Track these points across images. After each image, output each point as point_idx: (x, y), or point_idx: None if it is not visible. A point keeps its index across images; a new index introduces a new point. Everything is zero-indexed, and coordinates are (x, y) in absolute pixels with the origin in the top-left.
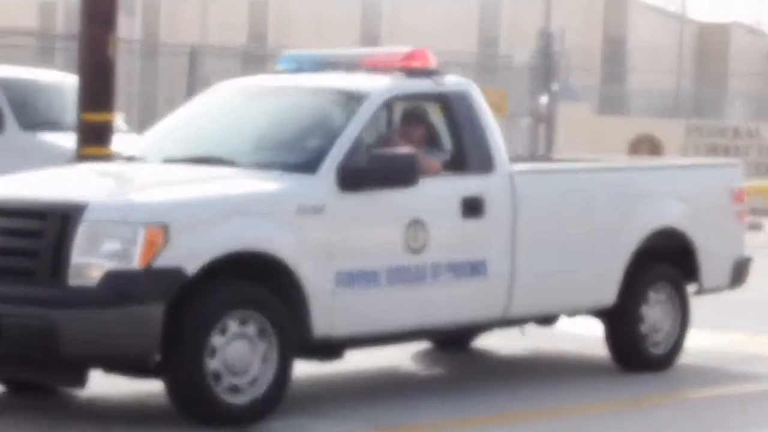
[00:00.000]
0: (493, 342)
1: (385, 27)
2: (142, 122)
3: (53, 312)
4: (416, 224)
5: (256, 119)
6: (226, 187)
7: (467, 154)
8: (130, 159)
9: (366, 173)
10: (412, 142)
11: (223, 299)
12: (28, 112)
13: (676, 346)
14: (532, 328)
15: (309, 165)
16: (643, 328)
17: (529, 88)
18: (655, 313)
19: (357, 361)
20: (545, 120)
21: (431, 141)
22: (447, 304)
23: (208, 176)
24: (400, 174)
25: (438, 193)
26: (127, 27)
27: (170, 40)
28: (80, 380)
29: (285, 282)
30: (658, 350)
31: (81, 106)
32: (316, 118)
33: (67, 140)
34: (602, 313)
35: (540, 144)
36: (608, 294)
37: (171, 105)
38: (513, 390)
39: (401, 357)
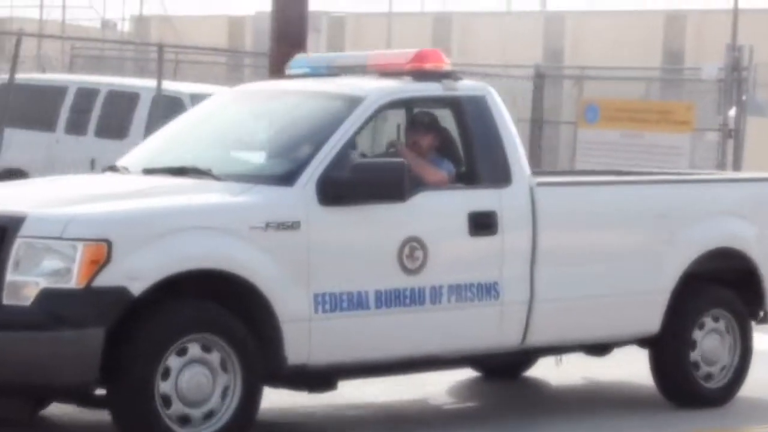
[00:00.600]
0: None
1: (568, 43)
2: None
3: None
4: (412, 242)
5: (245, 127)
6: (184, 201)
7: (479, 165)
8: (112, 169)
9: (350, 186)
10: (420, 152)
11: (175, 323)
12: None
13: (735, 380)
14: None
15: (286, 176)
16: (694, 360)
17: (716, 102)
18: (708, 343)
19: (379, 391)
20: (733, 135)
21: (443, 150)
22: (451, 330)
23: (170, 188)
24: (386, 186)
25: (440, 207)
26: (314, 43)
27: None
28: (28, 413)
29: (254, 305)
30: (712, 384)
31: None
32: (305, 124)
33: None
34: (648, 342)
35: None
36: (650, 321)
37: None
38: (548, 425)
39: (434, 387)
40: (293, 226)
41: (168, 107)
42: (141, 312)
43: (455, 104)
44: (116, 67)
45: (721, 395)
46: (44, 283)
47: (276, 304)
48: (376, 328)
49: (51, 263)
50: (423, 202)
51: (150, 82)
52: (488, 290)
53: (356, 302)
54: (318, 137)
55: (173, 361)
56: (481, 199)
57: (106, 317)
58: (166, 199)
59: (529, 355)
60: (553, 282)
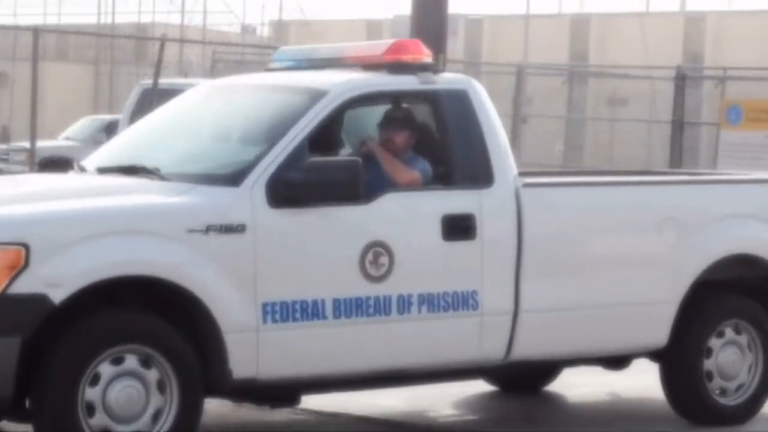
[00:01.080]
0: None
1: (708, 43)
2: None
3: None
4: (377, 247)
5: (208, 123)
6: (113, 202)
7: (457, 165)
8: (69, 169)
9: (302, 186)
10: (394, 150)
11: (103, 331)
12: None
13: (757, 397)
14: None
15: (233, 176)
16: (707, 374)
17: None
18: (725, 356)
19: (377, 402)
20: None
21: (421, 149)
22: (422, 343)
23: (107, 189)
24: (339, 187)
25: (409, 210)
26: (451, 46)
27: (492, 59)
28: None
29: (194, 315)
30: (729, 400)
31: None
32: (263, 120)
33: None
34: (657, 356)
35: None
36: (656, 333)
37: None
38: None
39: (439, 400)
40: (237, 229)
41: None
42: (65, 321)
43: (433, 98)
44: (256, 72)
45: (740, 412)
46: None
47: (218, 314)
48: (335, 339)
49: None
50: (390, 204)
51: None
52: (465, 300)
53: (311, 311)
54: (273, 134)
55: (105, 369)
56: (457, 200)
57: (22, 326)
58: (95, 201)
59: (522, 368)
60: (542, 291)
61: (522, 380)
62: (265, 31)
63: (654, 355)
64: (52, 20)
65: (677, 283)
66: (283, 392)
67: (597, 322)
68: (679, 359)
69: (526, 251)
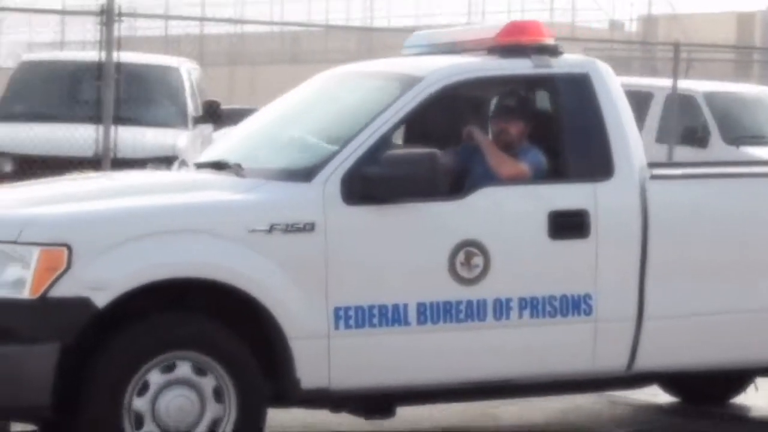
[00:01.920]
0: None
1: None
2: None
3: None
4: (469, 247)
5: (304, 114)
6: (169, 200)
7: (571, 156)
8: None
9: (380, 181)
10: (507, 141)
11: (149, 339)
12: (732, 125)
13: None
14: None
15: (306, 171)
16: None
17: None
18: None
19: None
20: None
21: (538, 139)
22: (524, 351)
23: (172, 185)
24: (417, 181)
25: (509, 206)
26: None
27: None
28: None
29: (256, 320)
30: None
31: None
32: (351, 111)
33: None
34: None
35: None
36: None
37: None
38: None
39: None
40: (306, 227)
41: (682, 106)
42: (110, 326)
43: (549, 84)
44: (624, 67)
45: None
46: None
47: (282, 319)
48: (420, 347)
49: (5, 270)
50: (487, 199)
51: (663, 82)
52: (576, 304)
53: (391, 317)
54: (356, 125)
55: (154, 377)
56: (567, 195)
57: (63, 332)
58: (150, 198)
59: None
60: (672, 295)
61: (707, 389)
62: (633, 27)
63: None
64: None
65: None
66: (375, 403)
67: (738, 328)
68: None
69: (653, 250)
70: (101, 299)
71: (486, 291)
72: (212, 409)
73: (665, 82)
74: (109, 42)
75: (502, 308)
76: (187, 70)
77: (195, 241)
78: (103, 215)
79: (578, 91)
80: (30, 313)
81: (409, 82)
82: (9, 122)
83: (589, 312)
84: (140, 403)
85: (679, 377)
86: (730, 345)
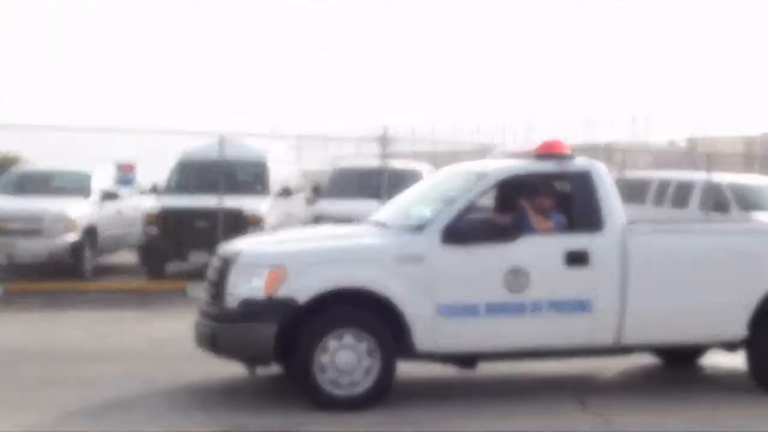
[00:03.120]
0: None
1: None
2: None
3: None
4: (517, 270)
5: (428, 193)
6: (344, 242)
7: (580, 218)
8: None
9: (463, 232)
10: (542, 209)
11: (329, 321)
12: (744, 199)
13: None
14: None
15: (420, 226)
16: None
17: None
18: None
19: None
20: None
21: (560, 208)
22: (549, 332)
23: (351, 233)
24: (482, 233)
25: (541, 246)
26: None
27: None
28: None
29: (390, 311)
30: None
31: None
32: (450, 191)
33: None
34: (740, 344)
35: None
36: (734, 329)
37: None
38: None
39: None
40: (419, 258)
41: (713, 190)
42: (307, 314)
43: (566, 176)
44: (676, 166)
45: None
46: (245, 294)
47: (407, 311)
48: (487, 328)
49: (252, 280)
50: (528, 242)
51: (702, 175)
52: (582, 305)
53: (471, 310)
54: (450, 200)
55: (332, 343)
56: (577, 241)
57: (279, 316)
58: (334, 241)
59: (629, 351)
60: (643, 299)
61: (679, 356)
62: (683, 143)
63: (731, 346)
64: None
65: (750, 297)
66: (463, 359)
67: (688, 319)
68: (757, 347)
69: (631, 271)
70: (302, 298)
71: (527, 296)
72: (366, 362)
73: (702, 175)
74: (384, 155)
75: (537, 307)
76: (427, 170)
77: (356, 266)
78: (304, 251)
79: (583, 181)
80: (262, 305)
81: (482, 176)
82: (330, 199)
83: (589, 309)
84: (324, 358)
85: (654, 348)
86: (684, 329)
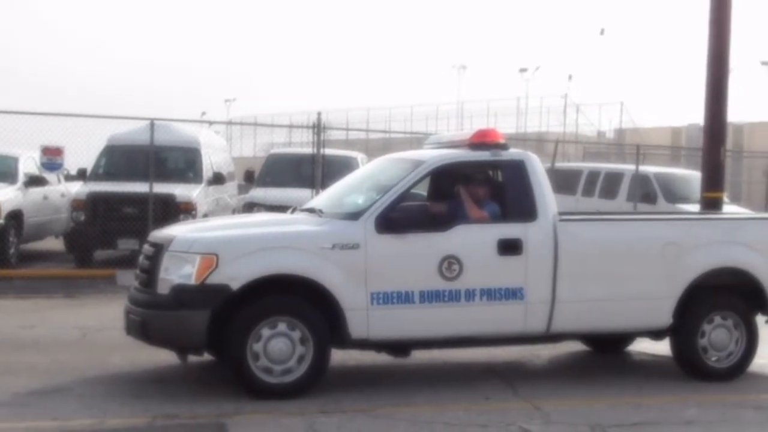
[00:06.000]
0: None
1: None
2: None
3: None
4: (450, 258)
5: (361, 181)
6: (277, 229)
7: (513, 207)
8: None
9: (398, 220)
10: (476, 198)
11: (262, 309)
12: (670, 191)
13: (740, 364)
14: None
15: (355, 214)
16: (702, 346)
17: None
18: (717, 334)
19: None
20: None
21: (494, 197)
22: (482, 320)
23: (281, 221)
24: (414, 221)
25: (475, 235)
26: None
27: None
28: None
29: (324, 299)
30: (720, 365)
31: (703, 189)
32: (385, 179)
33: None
34: (666, 332)
35: None
36: (660, 318)
37: None
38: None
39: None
40: (354, 246)
41: (640, 180)
42: (240, 302)
43: (500, 166)
44: (605, 158)
45: (727, 373)
46: (177, 281)
47: (341, 298)
48: (420, 316)
49: (183, 267)
50: (461, 231)
51: (630, 166)
52: (514, 293)
53: (404, 298)
54: (385, 188)
55: (265, 331)
56: (509, 230)
57: (213, 304)
58: (268, 228)
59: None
60: (572, 288)
61: (608, 343)
62: (612, 134)
63: (657, 334)
64: None
65: (676, 286)
66: (397, 347)
67: (617, 308)
68: (681, 335)
69: (561, 261)
70: (235, 285)
71: (460, 285)
72: (299, 350)
73: (631, 167)
74: (318, 143)
75: (470, 295)
76: (361, 159)
77: (290, 254)
78: (237, 238)
79: (517, 170)
80: (194, 292)
81: (417, 164)
82: (263, 187)
83: (522, 297)
84: (257, 347)
85: (584, 336)
86: (613, 318)
